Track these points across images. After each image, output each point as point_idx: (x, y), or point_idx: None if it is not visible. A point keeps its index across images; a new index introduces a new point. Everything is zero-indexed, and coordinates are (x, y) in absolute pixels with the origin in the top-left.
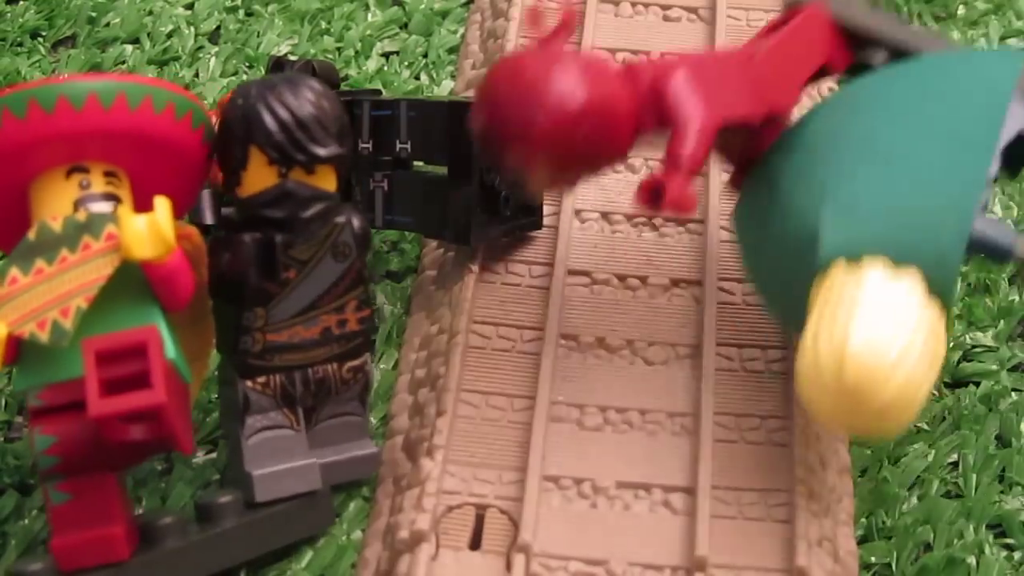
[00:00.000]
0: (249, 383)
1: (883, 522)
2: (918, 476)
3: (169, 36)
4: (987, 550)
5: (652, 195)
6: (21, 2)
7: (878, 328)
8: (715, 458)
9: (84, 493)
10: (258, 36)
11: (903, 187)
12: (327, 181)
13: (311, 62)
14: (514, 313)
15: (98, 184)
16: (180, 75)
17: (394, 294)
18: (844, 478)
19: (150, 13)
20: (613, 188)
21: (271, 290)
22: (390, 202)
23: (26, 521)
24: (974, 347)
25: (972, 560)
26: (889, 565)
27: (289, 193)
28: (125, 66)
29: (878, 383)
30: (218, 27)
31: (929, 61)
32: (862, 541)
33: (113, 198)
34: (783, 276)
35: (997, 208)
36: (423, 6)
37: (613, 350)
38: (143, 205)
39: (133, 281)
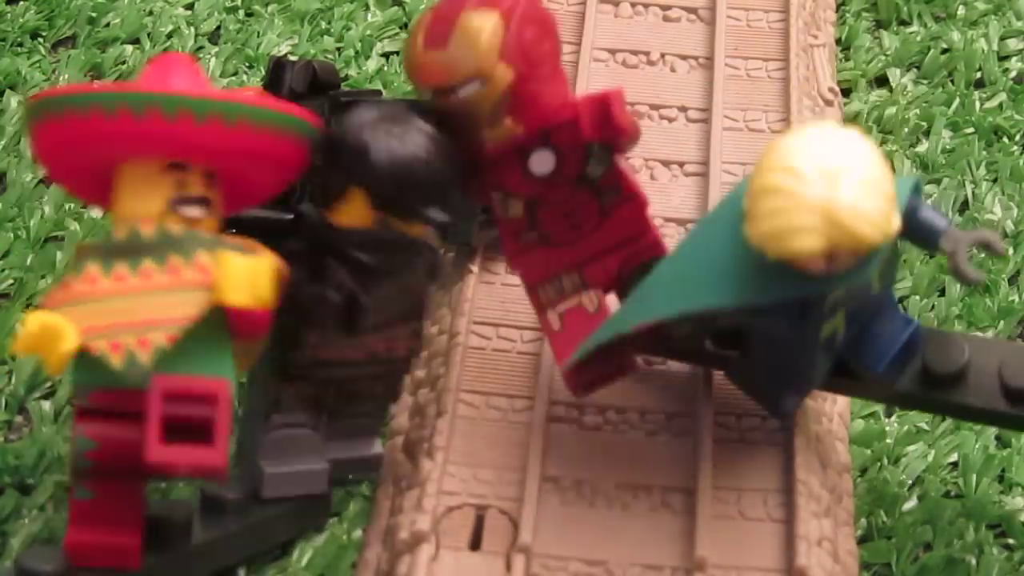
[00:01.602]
0: (286, 386)
1: (883, 522)
2: (918, 476)
3: (169, 36)
4: (987, 550)
5: (601, 117)
6: (21, 2)
7: (830, 136)
8: (715, 458)
9: (108, 495)
10: (258, 36)
11: None
12: (422, 229)
13: (311, 62)
14: (514, 313)
15: (196, 186)
16: None
17: None
18: (844, 478)
19: (150, 13)
20: None
21: (350, 331)
22: None
23: (26, 521)
24: None
25: (972, 560)
26: (889, 565)
27: (384, 241)
28: (125, 66)
29: (845, 167)
30: (218, 27)
31: None
32: (862, 541)
33: (207, 202)
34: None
35: (997, 208)
36: (423, 6)
37: None
38: (231, 201)
39: (214, 320)
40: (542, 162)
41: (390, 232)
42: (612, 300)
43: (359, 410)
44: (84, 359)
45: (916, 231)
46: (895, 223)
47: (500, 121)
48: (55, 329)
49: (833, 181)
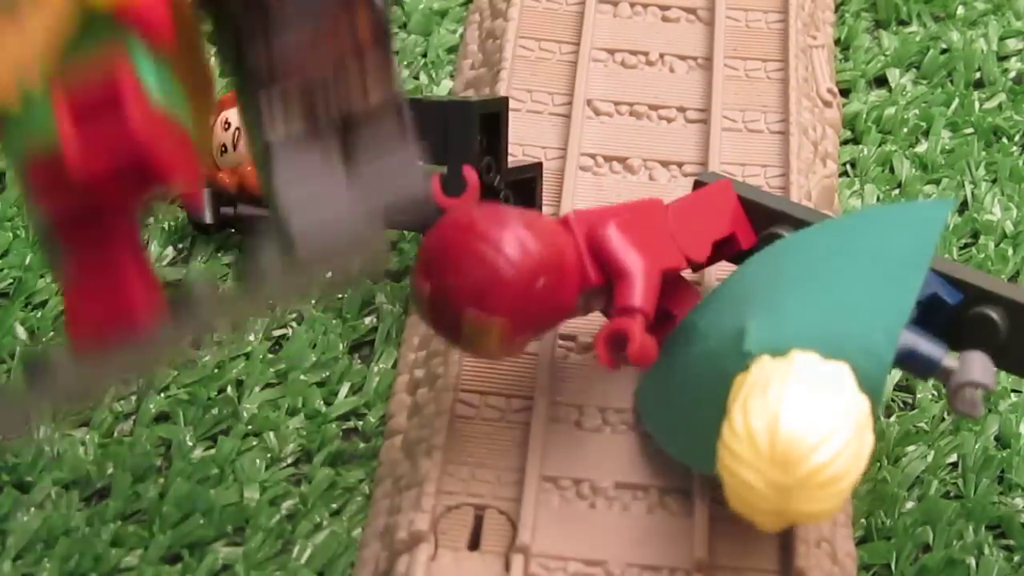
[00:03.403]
0: (263, 93)
1: (882, 523)
2: (918, 477)
3: None
4: (987, 551)
5: (614, 347)
6: None
7: (811, 400)
8: None
9: (92, 260)
10: None
11: (833, 297)
12: None
13: None
14: None
15: None
16: None
17: (393, 294)
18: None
19: None
20: (611, 189)
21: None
22: None
23: (25, 519)
24: None
25: (972, 561)
26: (888, 566)
27: None
28: None
29: (810, 451)
30: None
31: (853, 215)
32: (861, 542)
33: None
34: (700, 412)
35: (996, 209)
36: (422, 6)
37: None
38: None
39: (104, 24)
40: None
41: None
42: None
43: (372, 119)
44: (3, 134)
45: (909, 367)
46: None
47: None
48: None
49: (789, 493)
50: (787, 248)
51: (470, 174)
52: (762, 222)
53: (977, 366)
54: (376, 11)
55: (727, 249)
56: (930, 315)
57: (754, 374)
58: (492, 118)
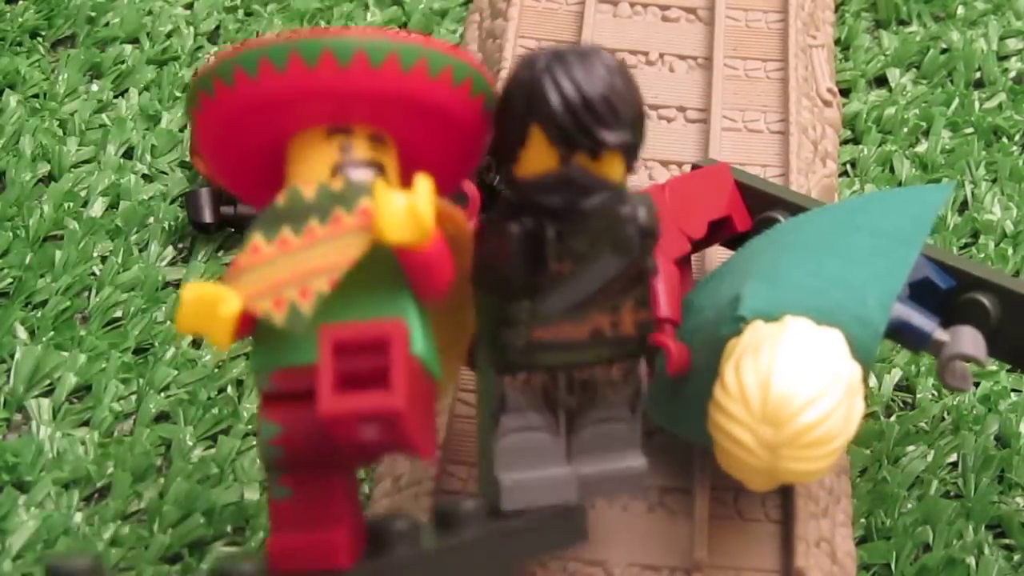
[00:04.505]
0: (508, 379)
1: (882, 522)
2: (917, 476)
3: (168, 36)
4: (987, 551)
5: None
6: (20, 2)
7: (803, 361)
8: (713, 458)
9: (308, 490)
10: (257, 36)
11: (828, 266)
12: (614, 169)
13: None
14: None
15: (361, 149)
16: (180, 75)
17: None
18: (842, 479)
19: (149, 13)
20: None
21: (540, 283)
22: None
23: (25, 519)
24: None
25: (971, 561)
26: (888, 566)
27: (569, 180)
28: (124, 66)
29: (800, 409)
30: (217, 27)
31: (854, 199)
32: (861, 541)
33: (377, 166)
34: (695, 380)
35: (996, 208)
36: (422, 5)
37: None
38: (411, 178)
39: (385, 265)
40: None
41: (573, 168)
42: None
43: (606, 414)
44: (259, 340)
45: (901, 338)
46: (850, 433)
47: None
48: (212, 296)
49: (779, 451)
50: (785, 228)
51: (470, 187)
52: (758, 207)
53: (967, 339)
54: (640, 328)
55: (723, 231)
56: (922, 299)
57: (747, 337)
58: None
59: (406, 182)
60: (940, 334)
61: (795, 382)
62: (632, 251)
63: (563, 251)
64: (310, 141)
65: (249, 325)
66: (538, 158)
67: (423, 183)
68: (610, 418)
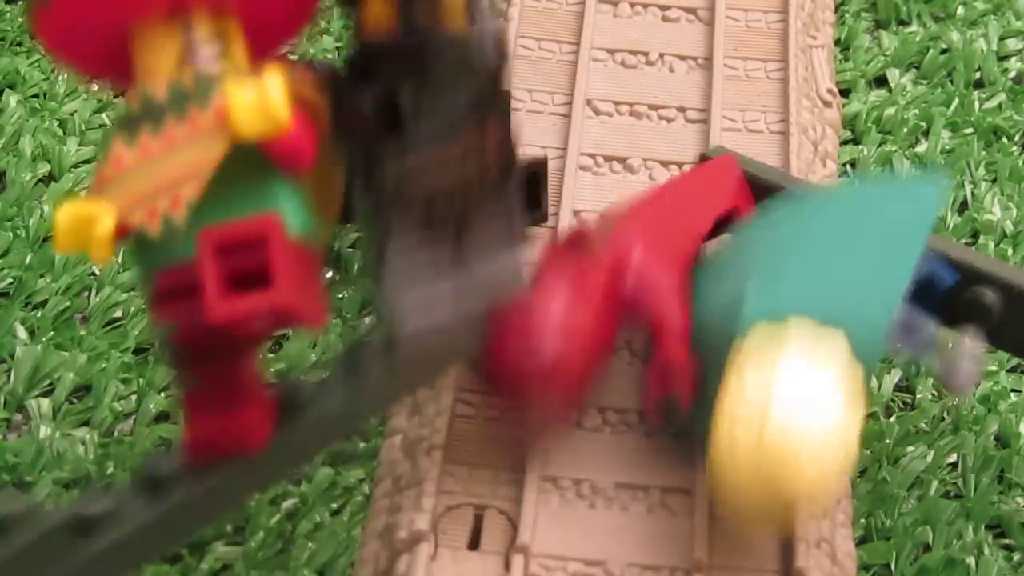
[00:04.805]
0: (390, 211)
1: (882, 523)
2: (917, 477)
3: None
4: (986, 551)
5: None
6: (20, 2)
7: (797, 410)
8: None
9: (215, 378)
10: None
11: (831, 267)
12: (454, 7)
13: (311, 62)
14: None
15: (202, 28)
16: None
17: None
18: (842, 479)
19: None
20: (611, 188)
21: (402, 130)
22: None
23: None
24: None
25: (971, 561)
26: (888, 566)
27: (413, 45)
28: None
29: (795, 473)
30: None
31: (850, 189)
32: (861, 542)
33: (222, 41)
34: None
35: (996, 208)
36: None
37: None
38: (256, 38)
39: (250, 156)
40: None
41: (415, 30)
42: None
43: (485, 223)
44: (136, 244)
45: (902, 341)
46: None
47: None
48: (87, 215)
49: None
50: (784, 219)
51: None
52: (765, 196)
53: (968, 342)
54: (506, 135)
55: (730, 223)
56: (926, 294)
57: (749, 343)
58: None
59: (252, 47)
60: (941, 337)
61: (794, 435)
62: (486, 81)
63: (418, 104)
64: (152, 30)
65: (124, 232)
66: (377, 8)
67: (273, 77)
68: (490, 227)
